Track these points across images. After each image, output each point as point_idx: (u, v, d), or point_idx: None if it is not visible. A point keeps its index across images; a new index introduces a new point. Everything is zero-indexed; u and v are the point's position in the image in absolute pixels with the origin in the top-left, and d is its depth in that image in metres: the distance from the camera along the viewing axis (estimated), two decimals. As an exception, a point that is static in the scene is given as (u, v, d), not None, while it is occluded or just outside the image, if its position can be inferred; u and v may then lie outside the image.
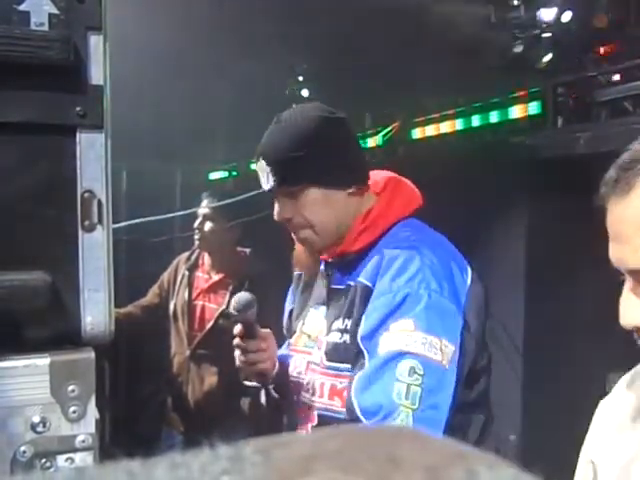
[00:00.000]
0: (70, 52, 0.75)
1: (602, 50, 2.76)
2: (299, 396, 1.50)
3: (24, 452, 0.73)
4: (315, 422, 1.43)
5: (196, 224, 3.01)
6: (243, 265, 3.06)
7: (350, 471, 0.24)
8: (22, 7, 0.73)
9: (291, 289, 1.66)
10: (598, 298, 3.17)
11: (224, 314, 3.01)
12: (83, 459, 0.75)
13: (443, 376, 1.26)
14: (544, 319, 3.15)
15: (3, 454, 0.72)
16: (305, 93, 3.91)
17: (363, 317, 1.33)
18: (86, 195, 0.78)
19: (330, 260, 1.49)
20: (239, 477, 0.24)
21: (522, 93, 3.08)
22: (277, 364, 1.56)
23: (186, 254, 3.18)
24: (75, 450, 0.75)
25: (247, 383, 1.63)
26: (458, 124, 3.44)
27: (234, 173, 5.31)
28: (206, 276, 3.09)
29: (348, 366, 1.36)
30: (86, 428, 0.75)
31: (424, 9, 2.82)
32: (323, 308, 1.49)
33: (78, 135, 0.77)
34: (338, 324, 1.40)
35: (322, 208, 1.41)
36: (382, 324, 1.29)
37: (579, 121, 2.88)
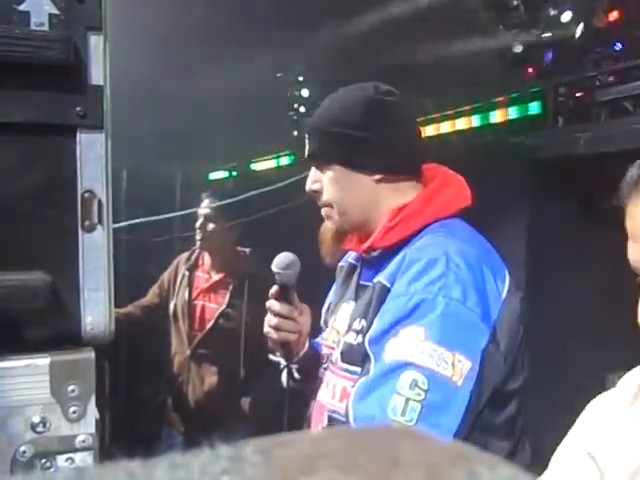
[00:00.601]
0: (70, 52, 0.75)
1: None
2: (318, 393, 1.43)
3: (24, 452, 0.73)
4: (325, 423, 1.36)
5: (197, 224, 3.01)
6: (243, 265, 3.06)
7: (351, 471, 0.24)
8: (22, 7, 0.73)
9: (334, 285, 1.58)
10: (598, 298, 3.17)
11: (224, 314, 3.01)
12: (83, 459, 0.75)
13: (452, 394, 1.13)
14: (544, 319, 3.14)
15: (3, 454, 0.72)
16: (305, 93, 3.91)
17: (375, 319, 1.25)
18: (86, 195, 0.78)
19: (363, 254, 1.42)
20: (239, 477, 0.24)
21: (520, 94, 3.08)
22: (307, 345, 1.48)
23: (186, 254, 3.18)
24: (75, 450, 0.75)
25: (271, 357, 1.54)
26: (458, 124, 3.44)
27: (234, 173, 5.31)
28: (206, 276, 3.09)
29: (359, 369, 1.28)
30: (86, 428, 0.75)
31: (424, 10, 2.82)
32: (353, 304, 1.41)
33: (78, 135, 0.77)
34: (355, 324, 1.33)
35: (343, 189, 1.37)
36: (391, 329, 1.19)
37: (579, 121, 2.88)
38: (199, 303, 3.07)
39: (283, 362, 1.49)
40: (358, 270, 1.45)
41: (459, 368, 1.14)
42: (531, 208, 3.20)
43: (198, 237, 3.02)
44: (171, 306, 3.09)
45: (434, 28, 2.93)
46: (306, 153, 1.42)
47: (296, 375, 1.48)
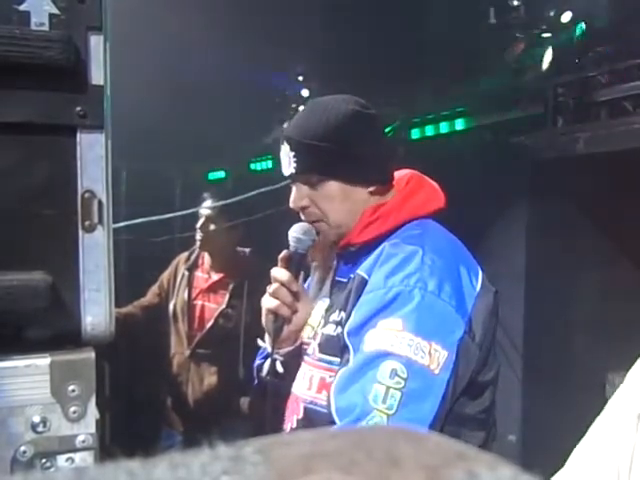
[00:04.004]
0: (70, 52, 0.75)
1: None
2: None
3: (24, 452, 0.73)
4: (301, 415, 1.37)
5: (198, 224, 3.01)
6: (243, 265, 3.06)
7: (350, 471, 0.24)
8: (22, 7, 0.73)
9: (307, 281, 1.58)
10: (598, 298, 3.18)
11: (224, 314, 3.01)
12: (83, 459, 0.75)
13: (431, 382, 1.18)
14: (544, 319, 3.15)
15: (3, 454, 0.72)
16: (305, 93, 3.91)
17: (353, 311, 1.29)
18: (86, 195, 0.78)
19: (338, 252, 1.44)
20: (239, 477, 0.24)
21: (522, 93, 3.08)
22: (298, 343, 1.44)
23: (185, 254, 3.18)
24: (75, 450, 0.75)
25: (260, 342, 1.50)
26: (458, 124, 3.43)
27: (234, 173, 5.31)
28: (206, 276, 3.09)
29: (337, 360, 1.31)
30: (86, 428, 0.75)
31: (424, 9, 2.83)
32: (327, 300, 1.44)
33: (78, 135, 0.78)
34: (334, 316, 1.35)
35: (339, 203, 1.37)
36: (369, 320, 1.23)
37: (579, 121, 2.88)
38: (198, 303, 3.07)
39: (269, 349, 1.45)
40: (334, 267, 1.46)
41: (436, 357, 1.19)
42: (531, 208, 3.21)
43: (199, 237, 3.02)
44: (171, 306, 3.10)
45: (434, 28, 2.93)
46: (290, 170, 1.38)
47: (279, 369, 1.44)
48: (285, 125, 4.21)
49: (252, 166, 5.01)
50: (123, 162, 4.32)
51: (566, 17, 2.77)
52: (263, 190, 3.01)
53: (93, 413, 0.76)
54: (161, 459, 0.25)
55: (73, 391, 0.75)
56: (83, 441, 0.75)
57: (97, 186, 0.78)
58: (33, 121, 0.76)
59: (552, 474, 1.11)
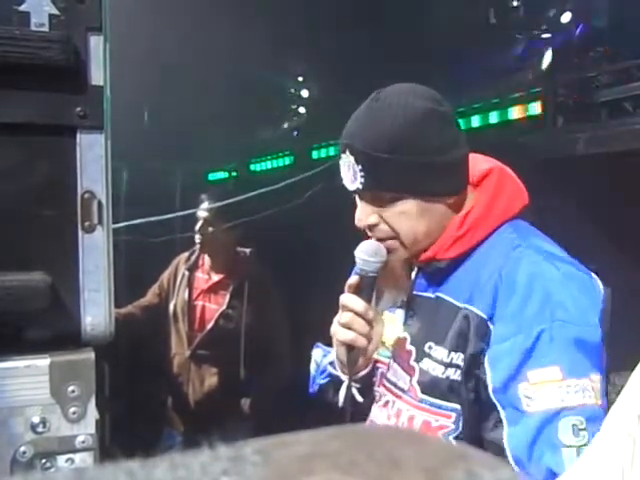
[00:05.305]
0: (70, 53, 0.75)
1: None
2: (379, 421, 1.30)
3: (24, 452, 0.73)
4: None
5: (197, 226, 3.01)
6: (243, 265, 3.06)
7: (350, 471, 0.24)
8: (22, 8, 0.74)
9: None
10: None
11: (224, 315, 3.01)
12: (83, 459, 0.75)
13: (602, 416, 1.04)
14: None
15: (3, 454, 0.72)
16: (305, 93, 3.92)
17: (486, 364, 1.13)
18: (86, 196, 0.78)
19: (418, 265, 1.27)
20: (239, 477, 0.24)
21: (522, 93, 3.08)
22: (370, 367, 1.31)
23: (186, 254, 3.18)
24: (75, 450, 0.75)
25: (331, 370, 1.36)
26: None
27: (234, 174, 5.31)
28: (206, 276, 3.09)
29: (452, 405, 1.18)
30: (86, 428, 0.75)
31: (424, 9, 2.83)
32: (400, 312, 1.29)
33: (78, 136, 0.78)
34: (440, 354, 1.20)
35: (416, 220, 1.19)
36: (517, 373, 1.09)
37: (579, 121, 2.88)
38: (199, 304, 3.06)
39: (343, 378, 1.30)
40: (412, 279, 1.29)
41: (597, 389, 1.08)
42: (531, 208, 3.21)
43: (198, 239, 3.02)
44: (171, 306, 3.09)
45: (434, 28, 2.93)
46: (356, 185, 1.18)
47: (358, 398, 1.29)
48: (287, 125, 4.21)
49: (252, 166, 5.01)
50: (123, 162, 4.32)
51: (566, 17, 2.77)
52: (263, 190, 3.01)
53: (93, 414, 0.76)
54: (161, 459, 0.25)
55: (73, 392, 0.75)
56: (83, 442, 0.75)
57: (97, 186, 0.78)
58: (33, 122, 0.76)
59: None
